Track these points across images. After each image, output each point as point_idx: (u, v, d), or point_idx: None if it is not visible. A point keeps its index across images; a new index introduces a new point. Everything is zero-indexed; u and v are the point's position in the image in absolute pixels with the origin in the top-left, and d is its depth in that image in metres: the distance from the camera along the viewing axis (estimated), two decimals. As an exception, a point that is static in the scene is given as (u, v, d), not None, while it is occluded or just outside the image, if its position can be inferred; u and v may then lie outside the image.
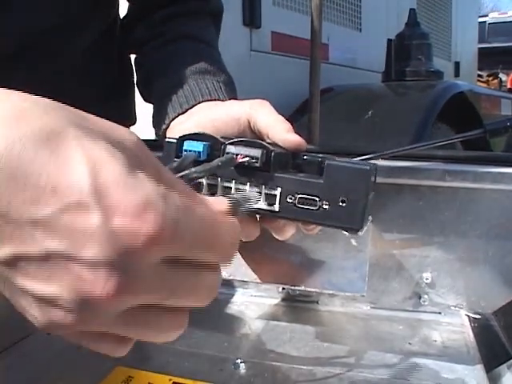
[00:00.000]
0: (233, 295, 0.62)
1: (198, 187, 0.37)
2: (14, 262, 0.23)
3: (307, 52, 1.58)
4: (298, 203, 0.37)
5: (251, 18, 1.88)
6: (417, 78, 2.55)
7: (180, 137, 0.38)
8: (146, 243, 0.22)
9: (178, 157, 0.37)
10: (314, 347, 0.50)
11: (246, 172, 0.37)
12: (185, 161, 0.34)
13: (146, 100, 0.64)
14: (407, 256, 0.57)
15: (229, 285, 0.62)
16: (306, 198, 0.37)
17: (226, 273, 0.49)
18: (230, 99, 0.54)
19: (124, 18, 0.68)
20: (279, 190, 0.37)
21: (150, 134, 0.58)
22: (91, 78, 0.64)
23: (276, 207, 0.38)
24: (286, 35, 2.08)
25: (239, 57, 1.86)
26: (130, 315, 0.25)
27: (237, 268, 0.49)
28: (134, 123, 0.75)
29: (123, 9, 0.69)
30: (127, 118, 0.73)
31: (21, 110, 0.23)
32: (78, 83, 0.62)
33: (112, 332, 0.26)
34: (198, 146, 0.36)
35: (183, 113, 0.52)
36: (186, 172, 0.32)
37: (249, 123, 0.45)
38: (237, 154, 0.37)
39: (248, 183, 0.38)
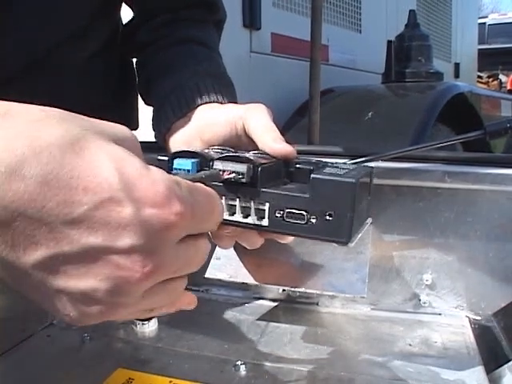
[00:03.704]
0: (233, 297, 0.62)
1: None
2: (49, 263, 0.25)
3: (307, 53, 1.58)
4: (287, 217, 0.37)
5: (251, 19, 1.88)
6: (417, 79, 2.54)
7: (171, 154, 0.39)
8: (173, 226, 0.25)
9: (169, 173, 0.38)
10: (315, 349, 0.50)
11: (234, 188, 0.38)
12: None
13: (146, 103, 0.64)
14: (407, 257, 0.57)
15: (229, 287, 0.62)
16: (294, 213, 0.37)
17: (226, 275, 0.49)
18: (229, 102, 0.54)
19: (127, 23, 0.68)
20: (267, 205, 0.37)
21: (151, 138, 0.58)
22: (93, 86, 0.64)
23: (265, 222, 0.38)
24: (285, 37, 2.08)
25: (239, 58, 1.86)
26: (152, 292, 0.28)
27: (237, 270, 0.49)
28: (137, 128, 0.75)
29: (125, 16, 0.69)
30: (129, 123, 0.73)
31: (40, 120, 0.25)
32: (79, 92, 0.62)
33: (137, 309, 0.29)
34: (187, 164, 0.37)
35: (183, 116, 0.53)
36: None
37: (244, 127, 0.45)
38: (223, 170, 0.37)
39: (237, 199, 0.38)
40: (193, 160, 0.37)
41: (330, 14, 2.39)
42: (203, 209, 0.29)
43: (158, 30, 0.62)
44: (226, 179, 0.37)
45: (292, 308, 0.59)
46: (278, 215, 0.37)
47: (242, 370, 0.46)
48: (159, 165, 0.38)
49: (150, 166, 0.27)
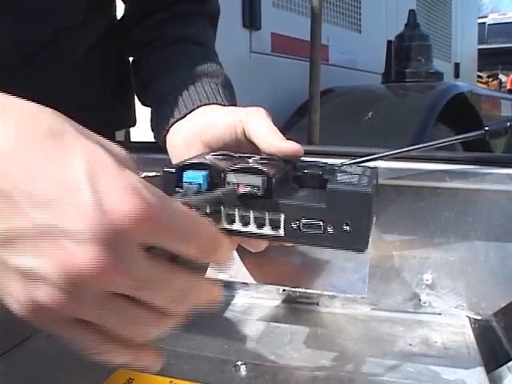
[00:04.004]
0: (233, 297, 0.62)
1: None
2: (6, 237, 0.25)
3: (307, 53, 1.58)
4: (303, 228, 0.37)
5: (251, 19, 1.88)
6: (417, 79, 2.55)
7: (178, 166, 0.38)
8: (132, 223, 0.25)
9: (178, 186, 0.37)
10: (315, 349, 0.50)
11: (248, 200, 0.37)
12: (187, 193, 0.35)
13: (143, 104, 0.64)
14: (408, 257, 0.57)
15: (229, 286, 0.62)
16: (311, 223, 0.37)
17: (226, 275, 0.49)
18: (228, 101, 0.54)
19: (121, 19, 0.68)
20: (283, 216, 0.37)
21: (150, 135, 0.58)
22: (90, 81, 0.64)
23: (281, 232, 0.38)
24: (285, 37, 2.07)
25: (239, 58, 1.86)
26: (108, 301, 0.27)
27: (237, 270, 0.49)
28: (134, 125, 0.75)
29: (120, 10, 0.69)
30: (127, 119, 0.74)
31: (33, 113, 0.27)
32: (77, 87, 0.62)
33: (90, 320, 0.28)
34: (198, 178, 0.36)
35: (182, 118, 0.53)
36: (186, 199, 0.33)
37: (244, 131, 0.45)
38: (238, 184, 0.36)
39: (251, 210, 0.38)
40: (203, 173, 0.37)
41: (330, 14, 2.39)
42: (178, 224, 0.27)
43: (155, 29, 0.62)
44: (242, 194, 0.36)
45: (292, 308, 0.59)
46: (294, 225, 0.37)
47: (242, 370, 0.46)
48: (166, 177, 0.38)
49: (128, 170, 0.27)
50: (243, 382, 0.44)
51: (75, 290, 0.26)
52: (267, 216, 0.37)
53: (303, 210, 0.37)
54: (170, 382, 0.44)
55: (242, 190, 0.36)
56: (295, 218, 0.37)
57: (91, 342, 0.29)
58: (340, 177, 0.38)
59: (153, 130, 0.57)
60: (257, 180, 0.36)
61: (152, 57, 0.61)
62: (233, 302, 0.61)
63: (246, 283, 0.60)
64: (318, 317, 0.58)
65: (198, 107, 0.52)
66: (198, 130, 0.49)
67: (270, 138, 0.43)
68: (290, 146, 0.42)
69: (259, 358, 0.48)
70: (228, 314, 0.58)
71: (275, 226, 0.38)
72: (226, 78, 0.58)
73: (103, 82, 0.67)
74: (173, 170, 0.38)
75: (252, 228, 0.38)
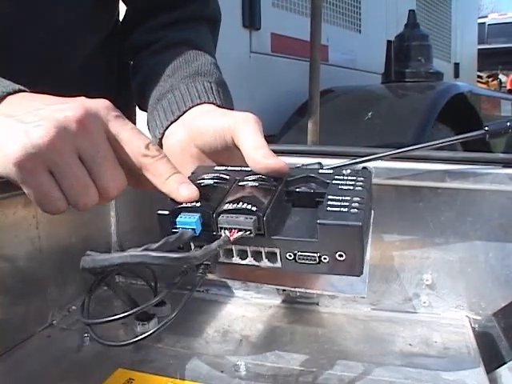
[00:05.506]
0: (233, 297, 0.62)
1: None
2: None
3: (307, 53, 1.58)
4: (299, 259, 0.38)
5: (251, 19, 1.88)
6: (416, 79, 2.54)
7: (170, 209, 0.39)
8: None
9: (174, 228, 0.39)
10: (315, 349, 0.50)
11: (242, 240, 0.38)
12: (183, 237, 0.37)
13: (140, 108, 0.64)
14: (407, 257, 0.57)
15: (229, 287, 0.62)
16: (306, 255, 0.38)
17: (226, 275, 0.49)
18: (220, 100, 0.54)
19: (122, 21, 0.68)
20: (278, 250, 0.38)
21: (149, 136, 0.58)
22: (92, 82, 0.64)
23: (278, 264, 0.39)
24: (285, 37, 2.07)
25: (239, 58, 1.86)
26: (77, 161, 0.38)
27: (238, 270, 0.49)
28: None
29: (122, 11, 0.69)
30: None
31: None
32: (78, 89, 0.62)
33: (58, 170, 0.37)
34: (191, 223, 0.38)
35: (176, 120, 0.52)
36: (189, 255, 0.36)
37: (233, 140, 0.45)
38: (230, 229, 0.38)
39: (248, 246, 0.39)
40: (196, 216, 0.38)
41: (330, 14, 2.39)
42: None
43: (153, 32, 0.62)
44: (235, 239, 0.38)
45: (292, 308, 0.59)
46: (290, 258, 0.38)
47: (242, 370, 0.46)
48: (161, 220, 0.39)
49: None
50: (243, 382, 0.44)
51: (62, 131, 0.36)
52: (263, 250, 0.39)
53: (296, 245, 0.38)
54: (170, 381, 0.44)
55: (234, 235, 0.38)
56: (290, 251, 0.38)
57: (49, 190, 0.37)
58: (331, 199, 0.38)
59: (149, 133, 0.57)
60: (248, 222, 0.37)
61: (148, 60, 0.61)
62: (232, 301, 0.61)
63: (246, 283, 0.60)
64: (318, 317, 0.58)
65: (190, 108, 0.52)
66: (191, 136, 0.49)
67: (256, 155, 0.42)
68: (274, 163, 0.41)
69: (259, 358, 0.48)
70: (228, 313, 0.58)
71: (272, 258, 0.39)
72: (220, 77, 0.58)
73: (106, 83, 0.68)
74: (166, 212, 0.39)
75: (251, 261, 0.40)
